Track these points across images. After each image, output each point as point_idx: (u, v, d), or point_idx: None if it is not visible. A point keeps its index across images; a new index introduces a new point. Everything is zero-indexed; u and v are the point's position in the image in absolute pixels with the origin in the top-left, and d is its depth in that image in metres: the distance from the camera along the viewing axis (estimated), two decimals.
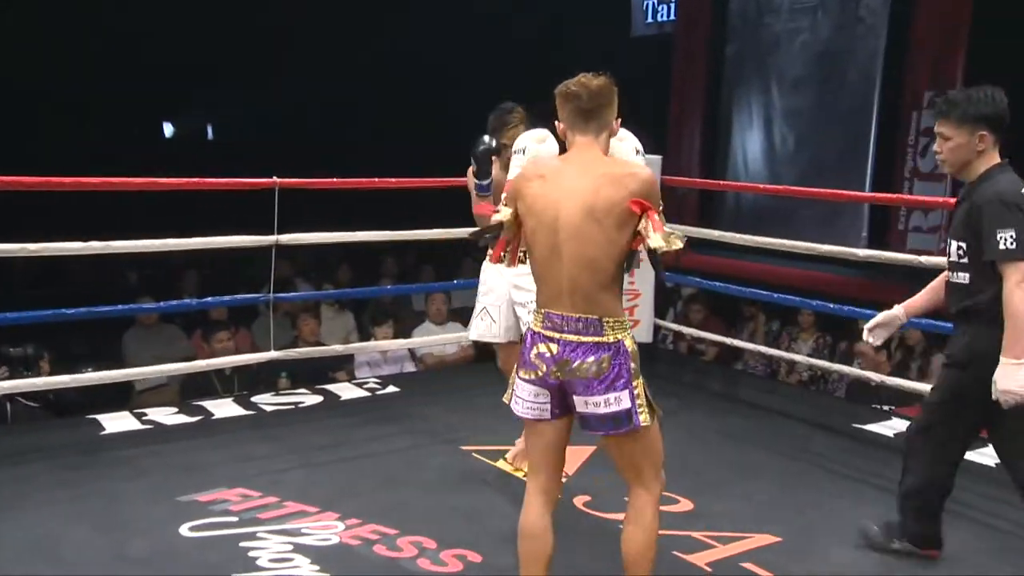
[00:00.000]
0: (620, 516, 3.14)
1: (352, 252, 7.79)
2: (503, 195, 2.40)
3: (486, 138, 3.27)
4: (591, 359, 2.18)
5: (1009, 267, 2.55)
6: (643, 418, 2.21)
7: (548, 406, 2.29)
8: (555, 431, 2.33)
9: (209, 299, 4.96)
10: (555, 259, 2.21)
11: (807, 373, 6.02)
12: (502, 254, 2.36)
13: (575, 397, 2.24)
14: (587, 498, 3.37)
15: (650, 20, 10.71)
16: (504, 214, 2.32)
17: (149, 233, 4.19)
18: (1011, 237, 2.56)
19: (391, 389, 4.70)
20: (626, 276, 2.29)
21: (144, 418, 4.15)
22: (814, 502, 3.43)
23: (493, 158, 3.30)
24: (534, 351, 2.27)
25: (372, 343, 5.35)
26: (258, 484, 3.41)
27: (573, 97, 2.25)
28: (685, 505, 3.33)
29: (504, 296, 3.49)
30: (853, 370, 4.89)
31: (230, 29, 9.91)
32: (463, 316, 6.80)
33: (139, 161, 6.34)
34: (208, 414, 4.25)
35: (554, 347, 2.22)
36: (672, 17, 10.34)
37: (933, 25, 7.93)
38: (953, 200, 4.14)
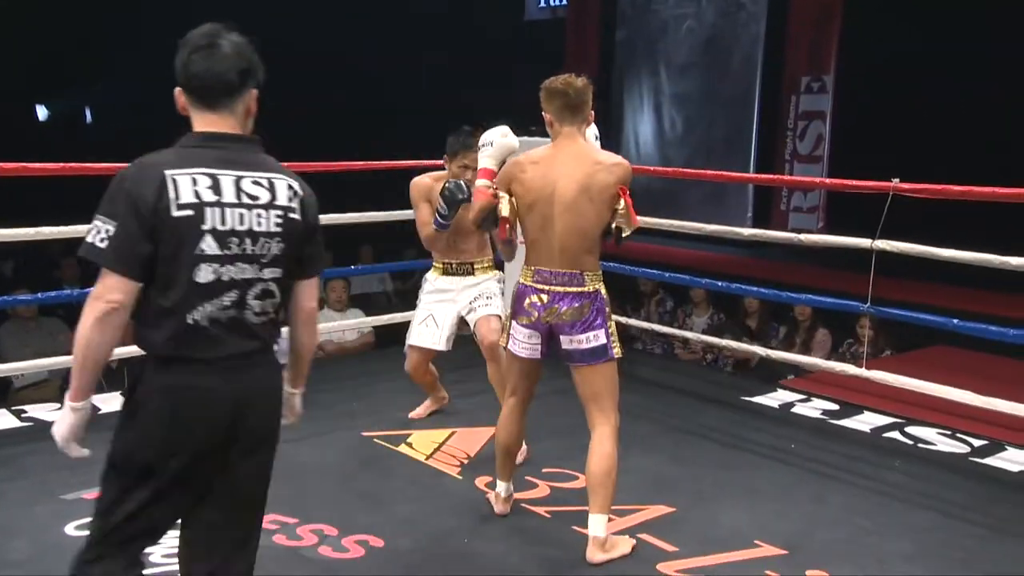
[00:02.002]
0: (521, 494, 3.21)
1: None
2: (490, 184, 2.87)
3: (464, 188, 3.38)
4: (575, 305, 2.69)
5: None
6: (616, 351, 2.73)
7: (539, 346, 2.79)
8: (535, 366, 2.87)
9: (91, 289, 4.72)
10: (548, 227, 2.70)
11: (704, 349, 6.18)
12: (507, 231, 2.77)
13: (561, 336, 2.73)
14: (488, 479, 3.38)
15: (543, 4, 10.76)
16: (505, 201, 2.74)
17: (24, 221, 3.94)
18: None
19: None
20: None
21: (23, 415, 3.95)
22: (705, 472, 3.53)
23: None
24: (527, 301, 2.76)
25: None
26: None
27: (561, 94, 2.72)
28: (582, 481, 3.36)
29: (456, 308, 3.67)
30: (742, 345, 5.05)
31: (113, 5, 9.45)
32: (363, 303, 6.75)
33: (10, 145, 5.98)
34: (93, 409, 4.06)
35: (544, 297, 2.72)
36: (564, 2, 10.41)
37: (808, 12, 8.23)
38: (830, 181, 4.24)
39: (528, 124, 3.95)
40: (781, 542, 2.94)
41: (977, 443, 3.85)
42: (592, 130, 2.97)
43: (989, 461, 3.69)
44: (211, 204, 1.78)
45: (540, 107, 2.83)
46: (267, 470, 1.97)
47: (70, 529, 2.89)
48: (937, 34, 6.89)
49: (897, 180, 3.88)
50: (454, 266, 3.71)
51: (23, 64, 9.58)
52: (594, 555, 2.75)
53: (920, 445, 3.86)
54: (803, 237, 4.50)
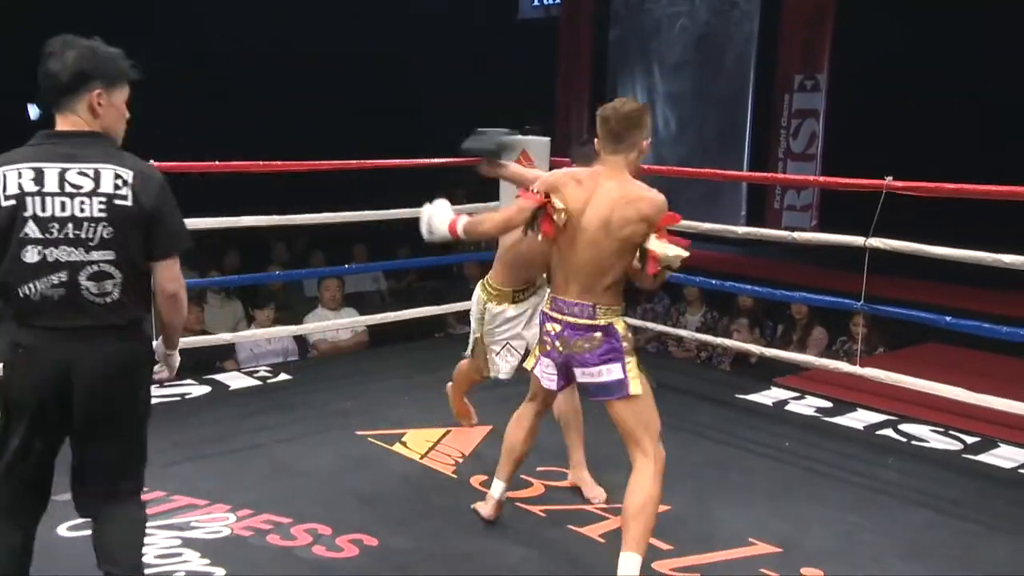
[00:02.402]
0: (515, 493, 3.21)
1: (240, 238, 7.56)
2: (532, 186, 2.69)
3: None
4: (585, 337, 2.60)
5: None
6: (633, 387, 2.59)
7: (555, 377, 2.72)
8: (554, 393, 2.86)
9: None
10: (571, 255, 2.61)
11: (698, 347, 6.17)
12: (552, 232, 2.63)
13: (575, 369, 2.65)
14: (483, 477, 3.38)
15: (537, 3, 10.75)
16: (558, 204, 2.59)
17: None
18: None
19: (283, 377, 4.59)
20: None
21: None
22: (700, 470, 3.53)
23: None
24: (544, 328, 2.71)
25: (261, 331, 5.20)
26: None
27: (604, 120, 2.61)
28: None
29: (521, 331, 3.37)
30: (736, 343, 5.06)
31: (100, 4, 9.39)
32: (357, 302, 6.74)
33: (2, 146, 5.94)
34: None
35: (558, 327, 2.65)
36: (557, 1, 10.40)
37: (801, 10, 8.23)
38: (823, 179, 4.25)
39: (523, 123, 3.96)
40: (776, 540, 2.94)
41: (970, 440, 3.86)
42: None
43: (982, 458, 3.70)
44: (32, 194, 2.05)
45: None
46: (134, 433, 2.22)
47: (63, 530, 2.88)
48: (931, 33, 6.91)
49: (890, 178, 3.89)
50: (523, 294, 3.37)
51: (18, 63, 9.52)
52: None
53: (913, 442, 3.87)
54: (797, 235, 4.51)
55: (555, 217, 2.60)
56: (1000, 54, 6.62)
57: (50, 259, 2.05)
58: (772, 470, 3.56)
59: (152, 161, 3.99)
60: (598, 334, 2.59)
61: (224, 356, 5.27)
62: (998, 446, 3.79)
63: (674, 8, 9.41)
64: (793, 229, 6.35)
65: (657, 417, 2.65)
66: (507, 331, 3.39)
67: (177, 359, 2.43)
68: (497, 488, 3.03)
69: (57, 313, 2.07)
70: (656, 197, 2.59)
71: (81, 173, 2.06)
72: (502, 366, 3.41)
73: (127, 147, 2.20)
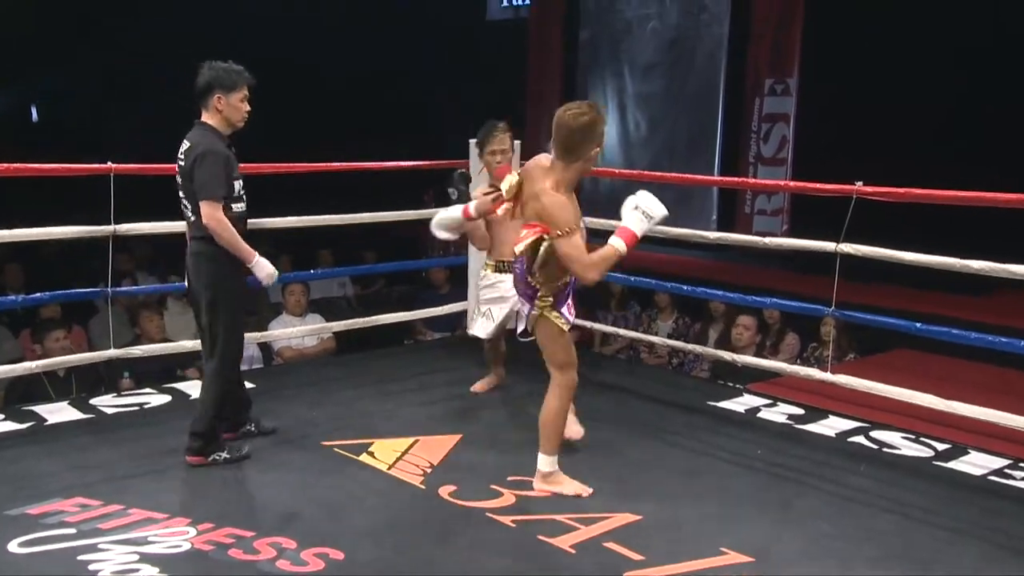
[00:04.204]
0: (485, 503, 3.20)
1: None
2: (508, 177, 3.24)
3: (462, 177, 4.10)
4: (518, 282, 3.28)
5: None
6: (538, 308, 3.20)
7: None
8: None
9: (38, 295, 4.60)
10: (510, 232, 3.35)
11: (670, 353, 6.19)
12: (510, 208, 3.24)
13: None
14: (452, 488, 3.36)
15: (505, 4, 10.76)
16: (512, 183, 3.16)
17: None
18: None
19: (246, 385, 4.53)
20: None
21: None
22: (672, 479, 3.54)
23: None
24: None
25: None
26: (99, 492, 3.23)
27: (556, 130, 3.01)
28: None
29: (510, 302, 3.98)
30: (710, 350, 5.08)
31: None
32: (323, 307, 6.69)
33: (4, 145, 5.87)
34: (40, 420, 4.00)
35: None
36: (527, 1, 10.42)
37: (771, 13, 8.31)
38: (793, 184, 4.26)
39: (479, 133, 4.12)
40: (748, 549, 2.96)
41: (941, 447, 3.91)
42: (635, 202, 3.06)
43: (952, 465, 3.75)
44: (177, 158, 3.48)
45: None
46: (210, 303, 3.49)
47: (13, 546, 2.82)
48: (903, 35, 6.99)
49: (860, 183, 3.93)
50: (505, 264, 4.05)
51: (22, 69, 9.32)
52: (537, 483, 3.31)
53: (885, 449, 3.91)
54: (768, 240, 4.55)
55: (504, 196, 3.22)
56: (975, 56, 6.72)
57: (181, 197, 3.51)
58: (744, 478, 3.58)
59: (109, 163, 4.02)
60: (526, 287, 3.23)
61: (185, 364, 5.21)
62: (968, 453, 3.84)
63: (644, 10, 9.46)
64: (764, 234, 6.42)
65: (564, 352, 3.25)
66: (486, 295, 4.17)
67: (263, 267, 3.50)
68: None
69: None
70: (547, 200, 3.00)
71: (182, 145, 3.44)
72: (480, 324, 4.18)
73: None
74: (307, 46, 9.77)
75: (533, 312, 3.25)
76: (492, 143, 4.08)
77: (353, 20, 10.02)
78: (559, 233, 2.98)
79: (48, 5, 9.12)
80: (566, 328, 3.25)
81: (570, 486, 3.32)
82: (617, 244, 2.99)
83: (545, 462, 3.31)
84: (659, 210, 3.02)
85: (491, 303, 4.16)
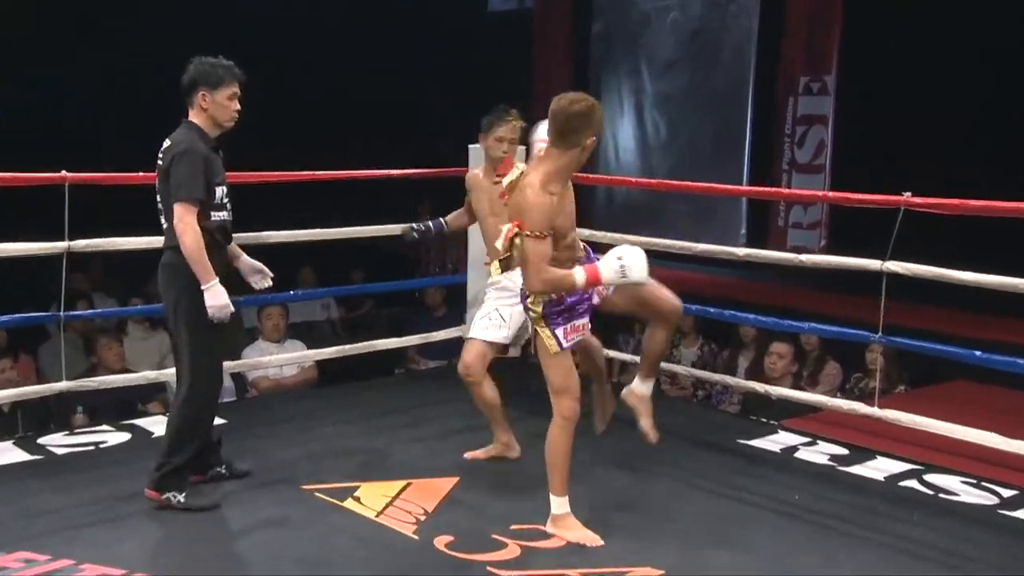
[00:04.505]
0: (486, 556, 3.16)
1: None
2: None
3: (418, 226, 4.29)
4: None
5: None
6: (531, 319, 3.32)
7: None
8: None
9: None
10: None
11: (694, 384, 6.14)
12: None
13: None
14: (449, 538, 3.32)
15: None
16: (512, 175, 3.39)
17: None
18: None
19: (216, 421, 4.47)
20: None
21: None
22: (697, 528, 3.49)
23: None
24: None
25: None
26: (47, 545, 3.18)
27: (552, 117, 3.13)
28: (557, 540, 3.32)
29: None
30: (739, 381, 5.03)
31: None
32: (304, 332, 6.67)
33: None
34: None
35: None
36: None
37: (807, 3, 8.31)
38: (833, 194, 4.24)
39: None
40: None
41: (1006, 493, 3.85)
42: (617, 254, 3.17)
43: (1019, 514, 3.68)
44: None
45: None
46: (179, 323, 3.50)
47: None
48: (955, 27, 6.94)
49: (909, 194, 3.90)
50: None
51: None
52: (549, 527, 3.35)
53: (941, 495, 3.85)
54: (804, 257, 4.51)
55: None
56: None
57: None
58: (779, 527, 3.53)
59: (64, 172, 4.00)
60: (520, 299, 3.36)
61: (147, 397, 5.19)
62: None
63: (664, 0, 9.48)
64: (800, 250, 6.38)
65: (560, 377, 3.29)
66: (492, 296, 4.09)
67: (216, 296, 3.38)
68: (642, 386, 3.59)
69: None
70: (523, 196, 3.13)
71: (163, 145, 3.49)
72: (486, 329, 4.03)
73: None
74: (291, 43, 9.82)
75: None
76: (500, 128, 4.06)
77: (335, 15, 10.08)
78: (527, 233, 3.11)
79: (47, 5, 9.33)
80: (556, 350, 3.29)
81: (577, 532, 3.33)
82: (578, 276, 3.16)
83: (554, 504, 3.34)
84: (638, 274, 3.15)
85: (499, 301, 4.04)
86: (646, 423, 3.58)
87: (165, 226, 3.48)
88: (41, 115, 9.27)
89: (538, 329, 3.30)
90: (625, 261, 3.14)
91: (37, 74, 9.39)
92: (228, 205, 3.56)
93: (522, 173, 3.30)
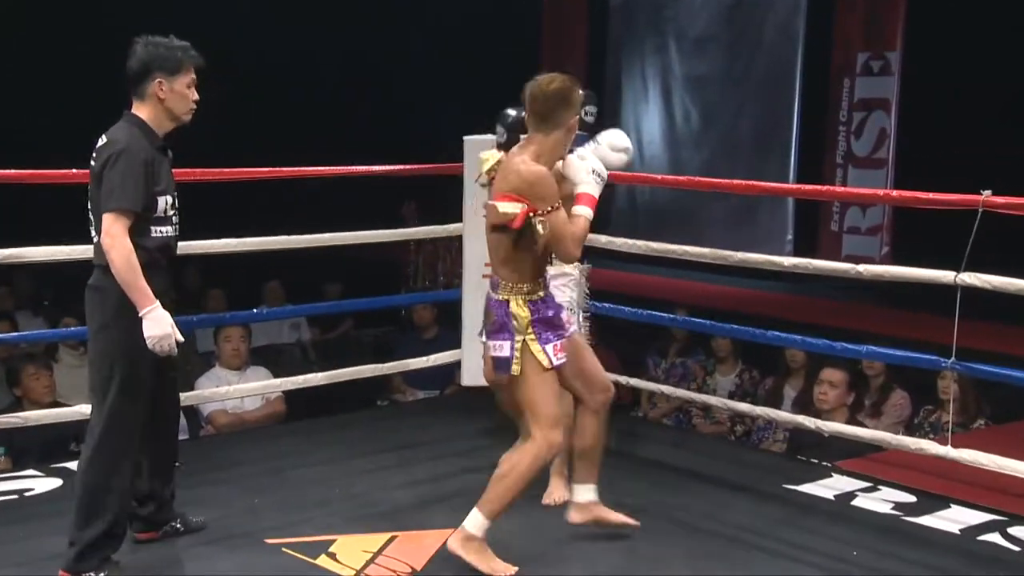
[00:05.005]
0: None
1: None
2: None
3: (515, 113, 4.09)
4: (492, 309, 3.51)
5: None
6: (515, 369, 3.44)
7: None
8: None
9: None
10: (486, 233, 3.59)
11: (732, 419, 6.14)
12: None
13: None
14: None
15: None
16: (490, 158, 3.65)
17: None
18: None
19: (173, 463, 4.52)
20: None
21: None
22: None
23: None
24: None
25: None
26: None
27: (530, 99, 3.43)
28: None
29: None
30: (785, 414, 5.02)
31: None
32: (269, 357, 6.68)
33: None
34: None
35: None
36: None
37: None
38: (897, 193, 4.25)
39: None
40: None
41: None
42: (589, 164, 3.53)
43: None
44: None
45: (509, 98, 3.75)
46: (97, 356, 3.41)
47: None
48: None
49: (988, 192, 3.90)
50: None
51: None
52: (453, 544, 3.46)
53: None
54: (863, 268, 4.52)
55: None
56: None
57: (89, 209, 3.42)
58: None
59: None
60: (495, 308, 3.49)
61: (82, 436, 5.17)
62: None
63: None
64: (857, 259, 6.39)
65: (547, 402, 3.44)
66: None
67: (155, 324, 3.25)
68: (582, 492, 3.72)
69: None
70: (522, 169, 3.37)
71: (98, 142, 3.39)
72: None
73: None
74: (267, 33, 9.96)
75: (504, 354, 3.47)
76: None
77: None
78: (549, 208, 3.37)
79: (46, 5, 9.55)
80: (547, 366, 3.46)
81: (493, 564, 3.44)
82: (587, 213, 3.47)
83: (477, 523, 3.46)
84: (616, 159, 3.63)
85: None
86: (616, 518, 3.75)
87: (96, 239, 3.37)
88: None
89: (527, 341, 3.44)
90: (593, 165, 3.50)
91: None
92: (175, 219, 3.47)
93: (501, 159, 3.56)
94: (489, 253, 3.56)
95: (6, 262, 4.28)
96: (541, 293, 3.52)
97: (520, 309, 3.46)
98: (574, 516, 3.72)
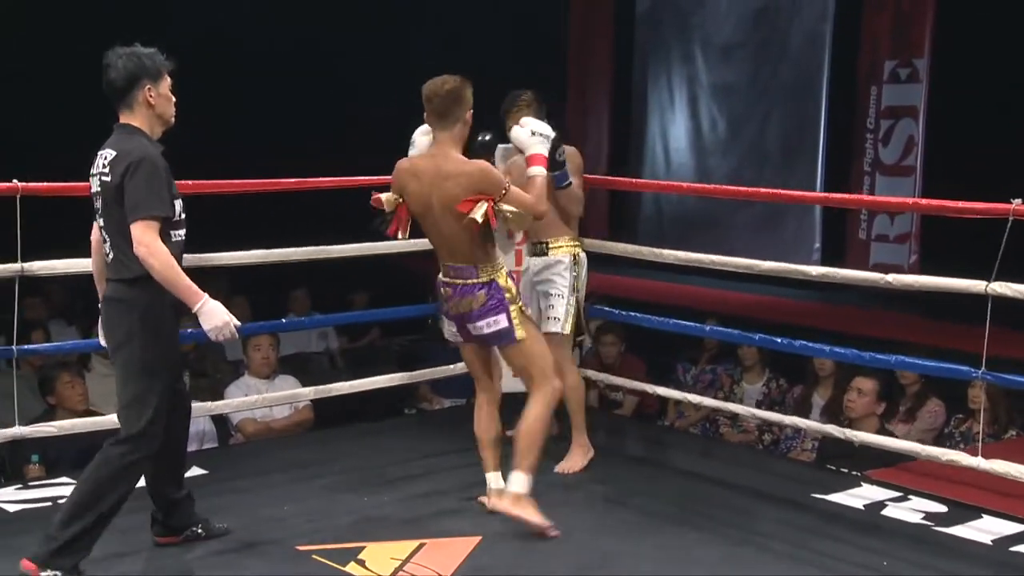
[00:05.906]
0: None
1: None
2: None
3: (482, 137, 4.49)
4: (474, 294, 3.87)
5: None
6: (519, 333, 3.88)
7: (458, 334, 4.05)
8: (472, 350, 4.11)
9: None
10: (437, 233, 3.93)
11: (759, 428, 6.12)
12: (396, 230, 4.01)
13: (467, 324, 3.93)
14: None
15: None
16: (390, 199, 3.96)
17: None
18: None
19: (195, 471, 4.54)
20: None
21: None
22: None
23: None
24: (440, 292, 4.00)
25: None
26: None
27: (427, 100, 3.83)
28: None
29: (527, 289, 4.61)
30: (814, 424, 5.01)
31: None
32: (297, 366, 6.70)
33: None
34: None
35: (450, 290, 3.94)
36: None
37: None
38: (925, 201, 4.23)
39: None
40: None
41: None
42: (528, 128, 4.00)
43: None
44: (91, 174, 3.47)
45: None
46: (120, 369, 3.51)
47: None
48: None
49: (1019, 201, 3.88)
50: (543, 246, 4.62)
51: None
52: (498, 503, 3.84)
53: None
54: (891, 277, 4.50)
55: (387, 215, 3.97)
56: None
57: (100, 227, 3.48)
58: None
59: (15, 181, 4.06)
60: (482, 291, 3.85)
61: None
62: None
63: None
64: (886, 268, 6.36)
65: (545, 352, 3.96)
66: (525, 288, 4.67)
67: (211, 316, 3.34)
68: (491, 478, 4.05)
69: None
70: (471, 167, 3.77)
71: (101, 156, 3.40)
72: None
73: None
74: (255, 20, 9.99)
75: (503, 327, 3.86)
76: (515, 116, 4.39)
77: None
78: (504, 191, 3.77)
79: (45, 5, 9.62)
80: (535, 323, 4.12)
81: (539, 518, 3.77)
82: (541, 172, 3.93)
83: (521, 481, 3.81)
84: (549, 129, 4.01)
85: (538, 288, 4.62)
86: (503, 508, 3.87)
87: (111, 256, 3.43)
88: None
89: (520, 309, 3.92)
90: (537, 129, 3.96)
91: None
92: (185, 221, 3.55)
93: (401, 185, 3.93)
94: (454, 246, 3.87)
95: (40, 273, 4.30)
96: (501, 264, 3.94)
97: (506, 282, 3.90)
98: (495, 505, 3.92)
